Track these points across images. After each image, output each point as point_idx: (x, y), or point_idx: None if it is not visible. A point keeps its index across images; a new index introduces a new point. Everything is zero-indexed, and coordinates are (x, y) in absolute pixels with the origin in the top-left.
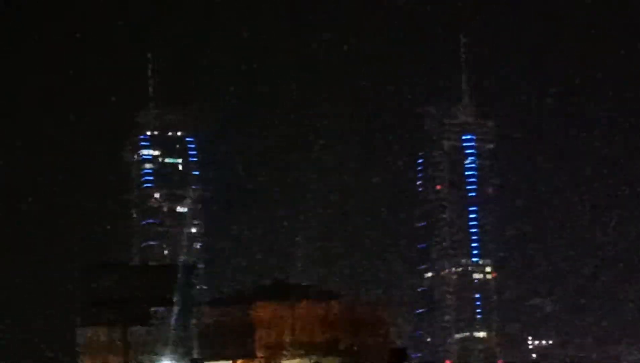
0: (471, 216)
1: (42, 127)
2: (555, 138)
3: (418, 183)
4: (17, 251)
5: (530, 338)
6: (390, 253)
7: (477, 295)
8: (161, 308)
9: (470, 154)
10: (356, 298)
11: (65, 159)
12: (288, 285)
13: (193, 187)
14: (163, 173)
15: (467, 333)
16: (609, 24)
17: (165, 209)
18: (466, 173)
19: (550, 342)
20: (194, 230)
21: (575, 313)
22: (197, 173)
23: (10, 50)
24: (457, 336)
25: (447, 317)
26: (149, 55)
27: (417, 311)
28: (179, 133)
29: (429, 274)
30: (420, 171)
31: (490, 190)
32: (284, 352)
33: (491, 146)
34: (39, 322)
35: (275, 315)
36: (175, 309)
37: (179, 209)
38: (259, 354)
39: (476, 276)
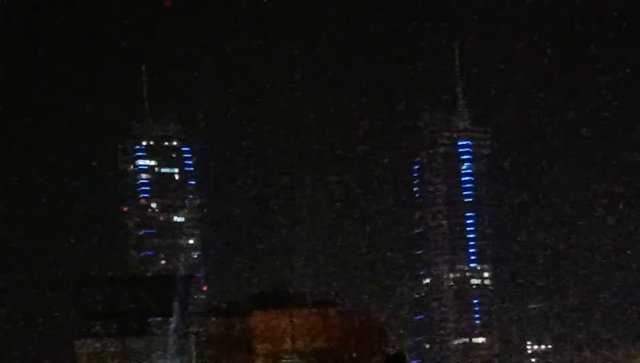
0: (468, 221)
1: (36, 138)
2: (552, 142)
3: (414, 189)
4: (12, 264)
5: (529, 343)
6: (387, 260)
7: (476, 301)
8: (159, 319)
9: (467, 160)
10: (354, 306)
11: (60, 170)
12: (286, 294)
13: (190, 197)
14: (159, 183)
15: (466, 339)
16: (610, 27)
17: (161, 219)
18: (463, 178)
19: (550, 346)
20: (191, 241)
21: (574, 318)
22: (193, 182)
23: (6, 60)
24: (456, 342)
25: (445, 323)
26: (144, 64)
27: (415, 318)
28: (174, 143)
29: (427, 280)
30: (416, 177)
31: (486, 195)
32: (283, 360)
33: (487, 151)
34: (37, 334)
35: (273, 323)
36: (173, 319)
37: (176, 219)
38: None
39: (474, 281)
